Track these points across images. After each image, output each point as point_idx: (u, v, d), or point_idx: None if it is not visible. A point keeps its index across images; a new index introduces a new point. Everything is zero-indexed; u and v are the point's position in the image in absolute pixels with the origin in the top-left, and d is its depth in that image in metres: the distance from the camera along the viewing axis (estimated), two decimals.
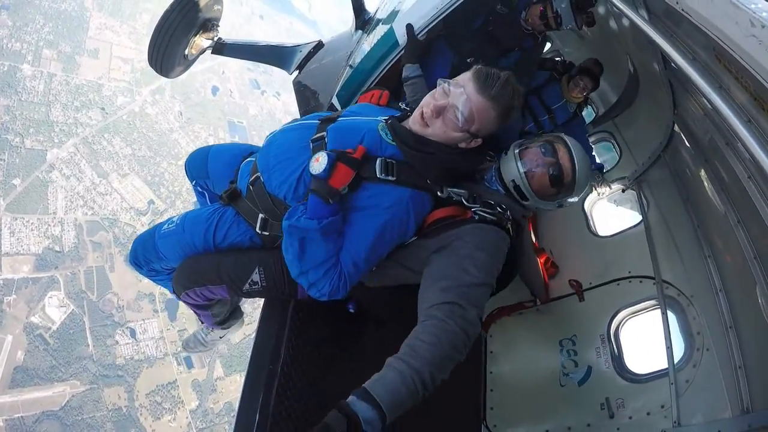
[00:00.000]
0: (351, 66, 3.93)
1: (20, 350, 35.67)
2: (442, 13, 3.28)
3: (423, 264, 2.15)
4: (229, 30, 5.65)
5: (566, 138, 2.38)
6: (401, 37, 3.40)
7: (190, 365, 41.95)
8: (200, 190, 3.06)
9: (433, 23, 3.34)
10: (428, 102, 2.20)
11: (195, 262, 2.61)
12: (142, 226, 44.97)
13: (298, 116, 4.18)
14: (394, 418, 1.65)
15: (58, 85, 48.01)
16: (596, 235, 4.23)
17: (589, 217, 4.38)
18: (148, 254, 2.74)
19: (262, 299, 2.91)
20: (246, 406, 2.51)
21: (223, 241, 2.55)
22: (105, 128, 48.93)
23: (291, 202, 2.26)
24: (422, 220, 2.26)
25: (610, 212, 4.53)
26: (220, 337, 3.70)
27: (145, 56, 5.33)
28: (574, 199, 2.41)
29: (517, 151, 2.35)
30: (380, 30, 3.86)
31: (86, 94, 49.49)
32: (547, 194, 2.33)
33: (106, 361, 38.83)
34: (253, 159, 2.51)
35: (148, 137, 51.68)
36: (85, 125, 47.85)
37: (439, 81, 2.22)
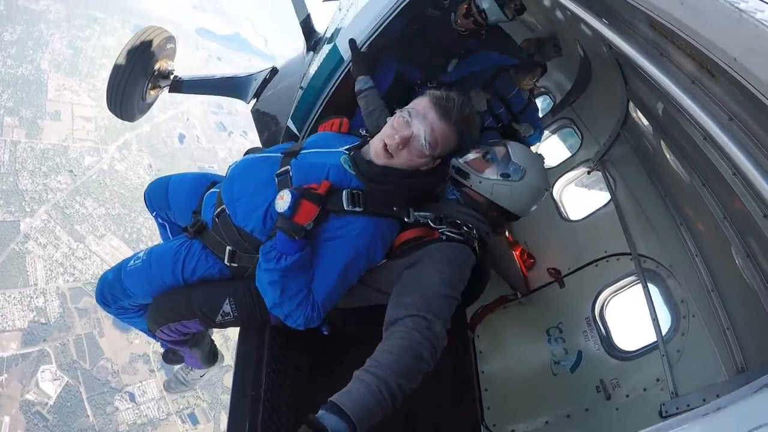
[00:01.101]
0: (302, 88, 3.94)
1: (19, 430, 34.47)
2: (380, 26, 3.31)
3: (393, 285, 2.19)
4: (187, 74, 5.74)
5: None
6: (345, 52, 3.43)
7: (194, 421, 40.95)
8: (161, 221, 3.05)
9: (374, 35, 3.36)
10: (390, 134, 2.25)
11: (166, 299, 2.59)
12: None
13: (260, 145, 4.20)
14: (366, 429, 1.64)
15: (24, 153, 47.50)
16: (568, 220, 4.24)
17: (560, 204, 4.39)
18: (115, 292, 2.68)
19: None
20: None
21: (192, 275, 2.53)
22: (75, 191, 48.35)
23: (259, 236, 2.29)
24: (390, 244, 2.34)
25: (579, 196, 4.55)
26: (201, 376, 3.68)
27: (108, 113, 5.43)
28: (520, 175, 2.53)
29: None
30: (326, 49, 3.89)
31: (53, 159, 49.00)
32: (480, 164, 2.55)
33: (108, 430, 37.65)
34: (217, 190, 2.52)
35: (120, 194, 51.13)
36: (56, 190, 47.23)
37: (397, 111, 2.30)
